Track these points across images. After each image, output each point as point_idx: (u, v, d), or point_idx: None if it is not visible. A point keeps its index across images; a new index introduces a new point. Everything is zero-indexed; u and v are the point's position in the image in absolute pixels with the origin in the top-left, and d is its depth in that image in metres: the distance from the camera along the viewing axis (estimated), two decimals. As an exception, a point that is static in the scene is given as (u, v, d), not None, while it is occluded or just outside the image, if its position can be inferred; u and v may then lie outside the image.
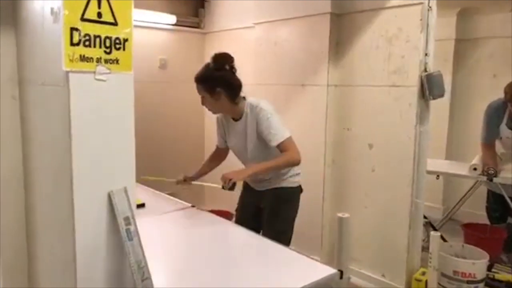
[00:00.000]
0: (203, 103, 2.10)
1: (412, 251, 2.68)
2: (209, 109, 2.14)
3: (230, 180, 1.92)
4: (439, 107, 4.42)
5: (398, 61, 2.62)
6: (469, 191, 3.50)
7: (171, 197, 2.39)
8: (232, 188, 1.94)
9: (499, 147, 3.37)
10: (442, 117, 4.36)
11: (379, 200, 2.78)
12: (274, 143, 1.99)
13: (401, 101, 2.62)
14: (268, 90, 3.33)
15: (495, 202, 3.43)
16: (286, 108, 3.17)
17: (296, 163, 2.06)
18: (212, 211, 2.42)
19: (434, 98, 2.55)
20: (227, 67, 2.03)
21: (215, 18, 4.09)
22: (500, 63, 4.04)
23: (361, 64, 2.82)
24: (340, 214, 2.75)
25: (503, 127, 3.25)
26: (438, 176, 3.46)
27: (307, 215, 3.12)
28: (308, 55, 3.02)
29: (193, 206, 2.21)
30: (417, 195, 2.63)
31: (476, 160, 3.18)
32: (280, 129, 2.01)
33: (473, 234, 3.29)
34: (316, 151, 3.00)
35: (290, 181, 2.20)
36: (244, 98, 2.11)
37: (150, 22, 3.76)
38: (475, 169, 3.06)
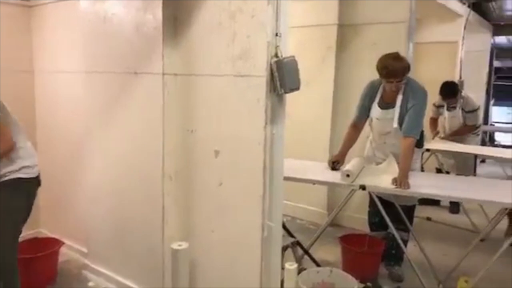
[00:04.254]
0: None
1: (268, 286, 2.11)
2: None
3: None
4: (321, 100, 4.00)
5: (243, 43, 2.00)
6: (347, 197, 3.06)
7: None
8: None
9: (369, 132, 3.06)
10: (324, 112, 3.93)
11: (228, 222, 2.17)
12: None
13: (249, 96, 2.01)
14: (101, 79, 2.57)
15: (375, 205, 3.03)
16: (118, 104, 2.44)
17: None
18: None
19: (287, 92, 1.97)
20: None
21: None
22: (383, 52, 3.66)
23: (202, 47, 2.16)
24: (175, 245, 2.11)
25: (375, 107, 2.90)
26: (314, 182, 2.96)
27: (145, 241, 2.45)
28: (140, 35, 2.30)
29: None
30: (271, 215, 2.05)
31: (350, 164, 2.72)
32: None
33: (350, 249, 2.86)
34: (152, 160, 2.31)
35: None
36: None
37: None
38: (348, 175, 2.59)
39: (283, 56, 1.95)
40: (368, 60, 3.75)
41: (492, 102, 7.95)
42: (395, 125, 2.77)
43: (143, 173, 2.41)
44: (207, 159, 2.19)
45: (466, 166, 4.30)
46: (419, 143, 2.91)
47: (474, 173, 4.44)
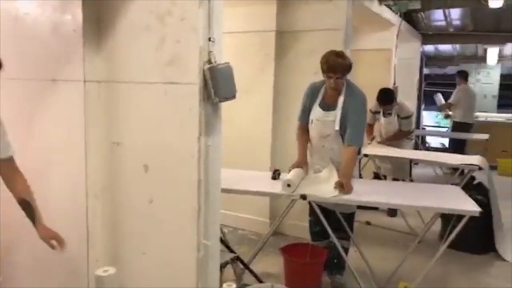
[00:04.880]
0: None
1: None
2: None
3: None
4: (261, 108, 3.92)
5: (173, 48, 1.85)
6: (288, 207, 2.98)
7: None
8: None
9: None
10: (265, 120, 3.85)
11: (160, 243, 1.99)
12: None
13: (180, 105, 1.86)
14: (14, 87, 2.27)
15: (316, 215, 2.98)
16: (34, 114, 2.17)
17: None
18: None
19: (221, 100, 1.85)
20: None
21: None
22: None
23: (129, 52, 1.98)
24: (100, 271, 1.89)
25: (315, 108, 2.84)
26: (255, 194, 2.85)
27: (68, 267, 2.19)
28: (58, 37, 2.06)
29: None
30: (207, 233, 1.91)
31: (290, 174, 2.64)
32: None
33: (291, 261, 2.78)
34: (74, 176, 2.07)
35: None
36: None
37: None
38: (288, 185, 2.50)
39: (217, 62, 1.82)
40: (307, 67, 3.74)
41: (422, 107, 8.37)
42: (337, 127, 2.73)
43: (64, 191, 2.15)
44: (136, 174, 2.00)
45: (402, 170, 4.43)
46: (358, 150, 2.92)
47: (410, 176, 4.59)
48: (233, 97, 1.89)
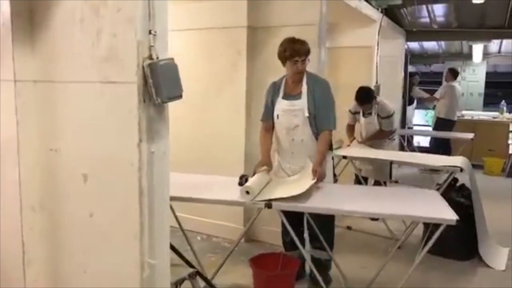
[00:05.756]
0: None
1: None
2: None
3: None
4: (234, 108, 3.71)
5: (109, 42, 1.64)
6: (255, 215, 2.79)
7: None
8: None
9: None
10: (237, 121, 3.65)
11: (102, 260, 1.78)
12: None
13: (118, 106, 1.65)
14: None
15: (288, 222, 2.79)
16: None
17: None
18: None
19: (164, 101, 1.64)
20: None
21: None
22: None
23: (65, 47, 1.76)
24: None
25: (279, 101, 2.79)
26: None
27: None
28: (-14, 32, 1.84)
29: None
30: (153, 250, 1.70)
31: (251, 180, 2.44)
32: None
33: (261, 273, 2.59)
34: (6, 187, 1.85)
35: None
36: None
37: None
38: (247, 192, 2.30)
39: (159, 58, 1.62)
40: (281, 65, 3.54)
41: (414, 105, 8.24)
42: (306, 113, 2.68)
43: (-3, 204, 1.94)
44: (75, 185, 1.79)
45: (383, 171, 4.26)
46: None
47: (390, 178, 4.42)
48: (179, 97, 1.68)
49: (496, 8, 6.23)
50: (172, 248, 2.00)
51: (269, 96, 2.85)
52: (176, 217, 2.75)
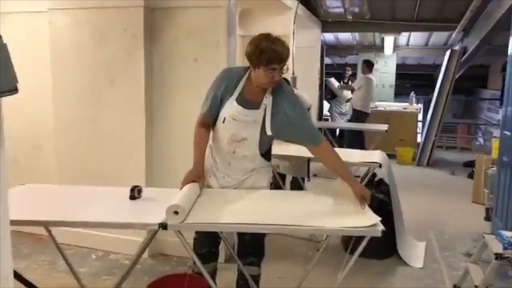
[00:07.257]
0: None
1: None
2: None
3: None
4: (131, 104, 3.16)
5: None
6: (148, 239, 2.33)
7: None
8: None
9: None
10: (135, 120, 3.13)
11: None
12: None
13: None
14: None
15: (202, 232, 2.38)
16: None
17: None
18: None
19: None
20: None
21: None
22: (201, 43, 3.04)
23: None
24: None
25: (231, 103, 2.18)
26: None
27: None
28: None
29: None
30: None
31: (177, 198, 1.93)
32: None
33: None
34: None
35: None
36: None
37: None
38: (176, 212, 1.83)
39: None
40: (185, 52, 3.10)
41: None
42: (269, 132, 2.15)
43: None
44: None
45: (301, 168, 4.01)
46: (269, 157, 2.35)
47: (308, 175, 4.19)
48: (14, 90, 1.15)
49: (405, 1, 6.35)
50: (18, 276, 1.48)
51: (218, 88, 2.20)
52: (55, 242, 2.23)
